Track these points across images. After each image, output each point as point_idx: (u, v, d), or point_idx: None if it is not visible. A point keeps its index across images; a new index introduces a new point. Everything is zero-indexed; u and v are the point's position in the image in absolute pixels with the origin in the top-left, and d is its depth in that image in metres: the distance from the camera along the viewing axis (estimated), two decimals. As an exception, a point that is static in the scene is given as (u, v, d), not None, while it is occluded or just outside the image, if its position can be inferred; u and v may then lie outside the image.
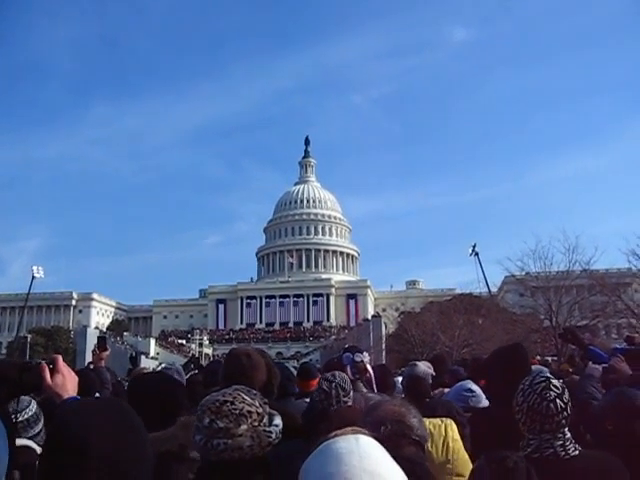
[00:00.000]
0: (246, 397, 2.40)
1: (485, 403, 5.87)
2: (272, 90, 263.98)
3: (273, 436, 2.38)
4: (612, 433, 4.09)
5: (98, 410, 1.96)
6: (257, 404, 2.40)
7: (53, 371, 3.19)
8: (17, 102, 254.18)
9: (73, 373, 3.31)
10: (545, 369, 6.88)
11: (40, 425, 3.85)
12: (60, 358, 3.30)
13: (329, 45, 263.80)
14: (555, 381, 3.29)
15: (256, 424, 2.35)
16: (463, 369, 8.83)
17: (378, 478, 1.59)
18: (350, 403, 4.58)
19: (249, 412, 2.35)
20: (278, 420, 2.46)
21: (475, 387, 6.22)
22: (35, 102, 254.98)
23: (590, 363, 7.41)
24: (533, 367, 6.37)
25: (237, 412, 2.33)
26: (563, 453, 3.12)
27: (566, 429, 3.20)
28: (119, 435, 1.85)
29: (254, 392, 2.48)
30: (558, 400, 3.18)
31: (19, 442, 3.45)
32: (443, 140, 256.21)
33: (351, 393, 4.61)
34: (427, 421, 4.91)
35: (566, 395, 3.23)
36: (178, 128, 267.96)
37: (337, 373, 4.76)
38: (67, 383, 3.21)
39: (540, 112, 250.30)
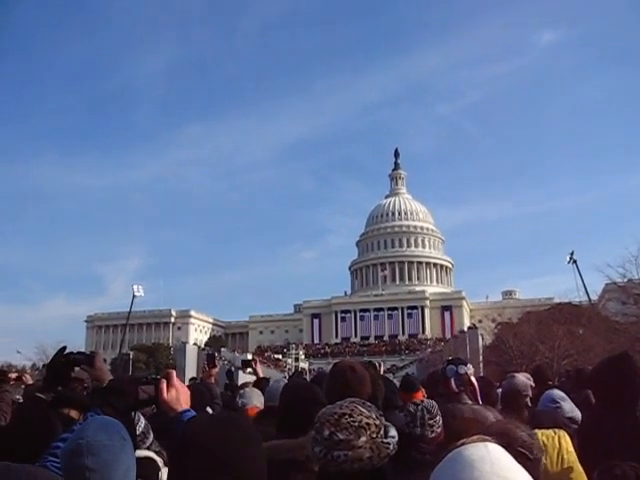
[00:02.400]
0: (363, 409, 2.43)
1: (575, 414, 5.73)
2: (359, 104, 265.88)
3: (391, 447, 2.42)
4: None
5: (221, 423, 2.13)
6: (374, 416, 2.43)
7: (168, 386, 3.34)
8: (113, 126, 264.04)
9: (185, 388, 3.46)
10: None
11: (151, 437, 4.00)
12: (174, 373, 3.46)
13: (415, 56, 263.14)
14: None
15: (374, 436, 2.38)
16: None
17: None
18: (437, 428, 4.47)
19: (367, 424, 2.38)
20: (394, 432, 2.49)
21: (560, 396, 6.06)
22: (130, 125, 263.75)
23: None
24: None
25: (356, 424, 2.37)
26: None
27: None
28: (239, 446, 2.02)
29: (369, 404, 2.51)
30: None
31: (142, 453, 3.63)
32: (536, 145, 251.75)
33: (438, 417, 4.51)
34: (539, 432, 4.84)
35: None
36: (268, 145, 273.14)
37: (425, 399, 4.74)
38: (180, 397, 3.36)
39: (637, 110, 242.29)
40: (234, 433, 2.07)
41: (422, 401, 4.60)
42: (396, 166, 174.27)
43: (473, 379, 6.22)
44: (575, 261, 74.39)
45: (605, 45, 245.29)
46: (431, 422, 4.43)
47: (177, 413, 3.30)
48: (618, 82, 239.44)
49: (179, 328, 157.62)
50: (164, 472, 3.49)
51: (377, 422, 2.42)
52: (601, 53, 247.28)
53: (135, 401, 3.45)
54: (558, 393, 6.09)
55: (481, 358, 70.08)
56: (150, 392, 3.39)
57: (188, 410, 3.33)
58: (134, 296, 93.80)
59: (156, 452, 3.77)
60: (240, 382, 11.19)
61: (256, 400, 6.92)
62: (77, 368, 4.45)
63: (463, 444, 1.76)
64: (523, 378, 7.50)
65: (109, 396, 3.35)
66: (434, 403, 4.65)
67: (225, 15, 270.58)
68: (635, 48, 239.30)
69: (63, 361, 4.41)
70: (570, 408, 5.86)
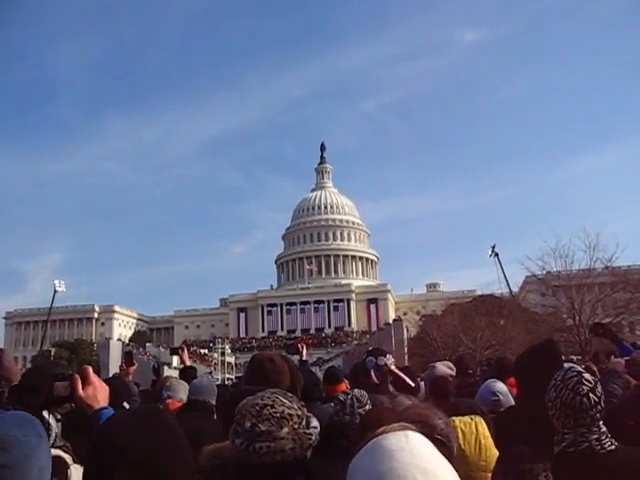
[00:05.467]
0: (285, 400, 2.41)
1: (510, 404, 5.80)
2: (286, 98, 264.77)
3: (313, 438, 2.40)
4: (633, 430, 4.05)
5: (136, 419, 2.10)
6: (296, 407, 2.41)
7: (84, 382, 3.25)
8: (33, 119, 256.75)
9: (104, 384, 3.37)
10: (576, 365, 6.84)
11: (53, 433, 3.85)
12: (90, 369, 3.37)
13: (339, 52, 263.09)
14: (587, 375, 3.27)
15: (296, 427, 2.37)
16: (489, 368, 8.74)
17: (430, 474, 1.54)
18: None
19: (290, 415, 2.36)
20: (315, 422, 2.47)
21: (500, 388, 6.10)
22: (51, 118, 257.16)
23: (612, 357, 7.34)
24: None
25: (278, 415, 2.35)
26: (599, 447, 3.07)
27: (601, 423, 3.15)
28: (156, 440, 1.99)
29: (290, 395, 2.49)
30: (591, 394, 3.15)
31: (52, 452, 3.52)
32: (459, 141, 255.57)
33: (367, 407, 4.53)
34: (457, 419, 4.92)
35: (599, 389, 3.20)
36: (194, 140, 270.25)
37: (356, 390, 4.77)
38: (98, 394, 3.28)
39: (556, 109, 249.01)
40: (150, 428, 2.02)
41: (353, 390, 4.62)
42: (322, 160, 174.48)
43: (394, 368, 6.23)
44: (497, 254, 76.31)
45: (525, 45, 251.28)
46: (360, 411, 4.47)
47: (94, 411, 3.23)
48: (537, 82, 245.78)
49: (103, 324, 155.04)
50: (73, 469, 3.37)
51: (299, 413, 2.41)
52: (520, 53, 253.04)
53: (49, 398, 3.34)
54: (501, 387, 6.12)
55: (406, 350, 71.15)
56: (65, 389, 3.29)
57: (106, 407, 3.25)
58: (55, 291, 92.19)
59: (61, 447, 3.62)
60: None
61: (182, 393, 6.75)
62: None
63: (383, 432, 1.72)
64: (443, 367, 7.58)
65: (22, 394, 3.23)
66: (364, 393, 4.69)
67: (150, 7, 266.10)
68: (553, 48, 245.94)
69: None
70: (507, 402, 5.90)
